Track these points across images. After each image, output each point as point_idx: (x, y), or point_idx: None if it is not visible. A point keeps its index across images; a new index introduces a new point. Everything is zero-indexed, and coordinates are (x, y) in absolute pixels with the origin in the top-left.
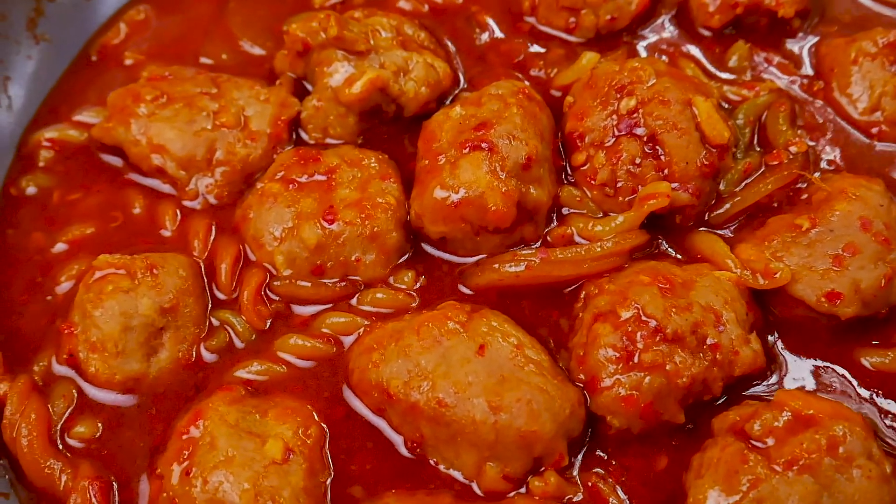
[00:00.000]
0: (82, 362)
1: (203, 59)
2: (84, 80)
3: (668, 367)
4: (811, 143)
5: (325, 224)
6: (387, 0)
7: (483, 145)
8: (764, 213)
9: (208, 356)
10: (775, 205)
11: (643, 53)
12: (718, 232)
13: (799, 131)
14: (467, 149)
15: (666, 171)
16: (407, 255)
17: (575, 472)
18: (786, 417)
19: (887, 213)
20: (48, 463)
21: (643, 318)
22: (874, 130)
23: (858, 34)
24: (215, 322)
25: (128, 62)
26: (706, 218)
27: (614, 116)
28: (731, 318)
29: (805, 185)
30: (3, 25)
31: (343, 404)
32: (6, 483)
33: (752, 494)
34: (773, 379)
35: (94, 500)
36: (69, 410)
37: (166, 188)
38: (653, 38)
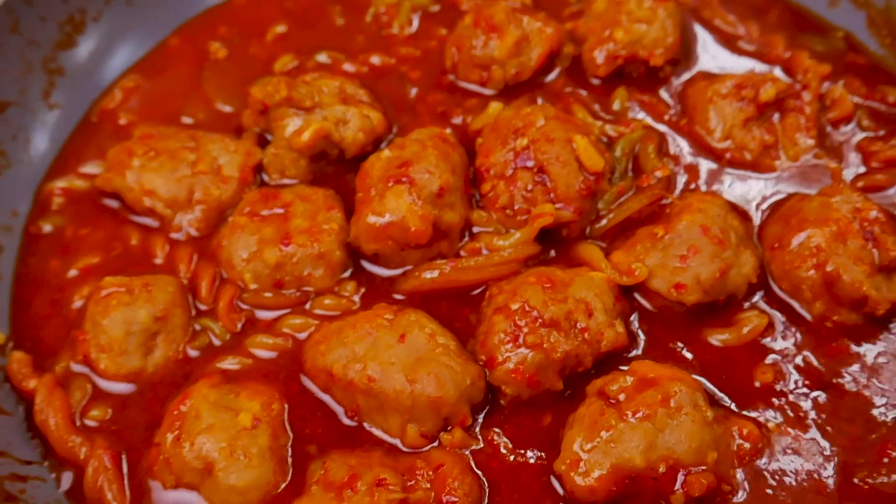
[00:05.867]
0: (94, 361)
1: (184, 119)
2: (87, 138)
3: (545, 346)
4: (674, 168)
5: (283, 247)
6: (334, 63)
7: (404, 179)
8: (634, 226)
9: (193, 353)
10: (643, 218)
11: (543, 100)
12: (597, 242)
13: (665, 159)
14: (392, 183)
15: (552, 195)
16: (349, 270)
17: (477, 429)
18: (633, 380)
19: (723, 220)
20: (71, 439)
21: (527, 308)
22: (727, 156)
23: (716, 78)
24: (198, 327)
25: (122, 122)
26: (587, 232)
27: (511, 153)
28: (600, 307)
29: (667, 202)
30: (23, 98)
31: (298, 384)
32: (39, 455)
33: (606, 437)
34: (636, 353)
35: (107, 465)
36: (85, 399)
37: (156, 224)
38: (551, 88)
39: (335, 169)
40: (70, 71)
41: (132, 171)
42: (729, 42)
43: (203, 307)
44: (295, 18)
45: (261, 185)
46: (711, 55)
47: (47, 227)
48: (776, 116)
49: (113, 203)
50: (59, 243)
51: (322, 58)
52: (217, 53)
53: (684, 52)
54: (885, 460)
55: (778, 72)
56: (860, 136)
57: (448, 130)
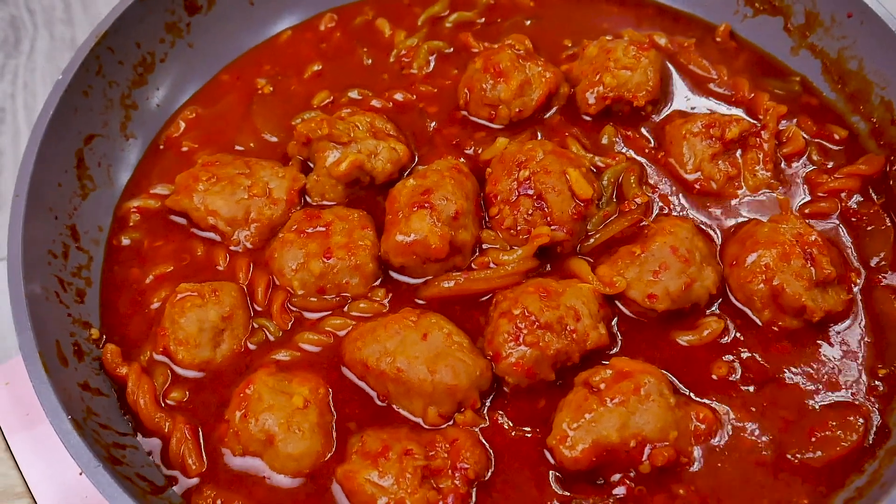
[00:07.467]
0: (172, 353)
1: (237, 147)
2: (155, 163)
3: (541, 344)
4: (651, 196)
5: (325, 260)
6: (364, 99)
7: (426, 205)
8: (617, 244)
9: (252, 346)
10: (624, 238)
11: (542, 135)
12: (586, 258)
13: (644, 187)
14: (416, 208)
15: (549, 218)
16: (380, 279)
17: (485, 411)
18: (612, 372)
19: (690, 242)
20: (157, 415)
21: (526, 314)
22: (697, 186)
23: (689, 117)
24: (256, 325)
25: (184, 149)
26: (578, 249)
27: (515, 182)
28: (586, 312)
29: (645, 224)
30: (105, 130)
31: (339, 373)
32: (131, 428)
33: (588, 418)
34: (616, 350)
35: (187, 436)
36: (166, 383)
37: (218, 238)
38: (549, 123)
39: (367, 193)
40: (142, 105)
41: (198, 193)
42: (701, 84)
43: (259, 309)
44: (329, 58)
45: (305, 206)
46: (686, 96)
47: (126, 241)
48: (739, 152)
49: (180, 220)
50: (137, 254)
51: (353, 94)
52: (264, 89)
53: (663, 93)
54: (813, 440)
55: (742, 112)
56: (809, 168)
57: (461, 160)
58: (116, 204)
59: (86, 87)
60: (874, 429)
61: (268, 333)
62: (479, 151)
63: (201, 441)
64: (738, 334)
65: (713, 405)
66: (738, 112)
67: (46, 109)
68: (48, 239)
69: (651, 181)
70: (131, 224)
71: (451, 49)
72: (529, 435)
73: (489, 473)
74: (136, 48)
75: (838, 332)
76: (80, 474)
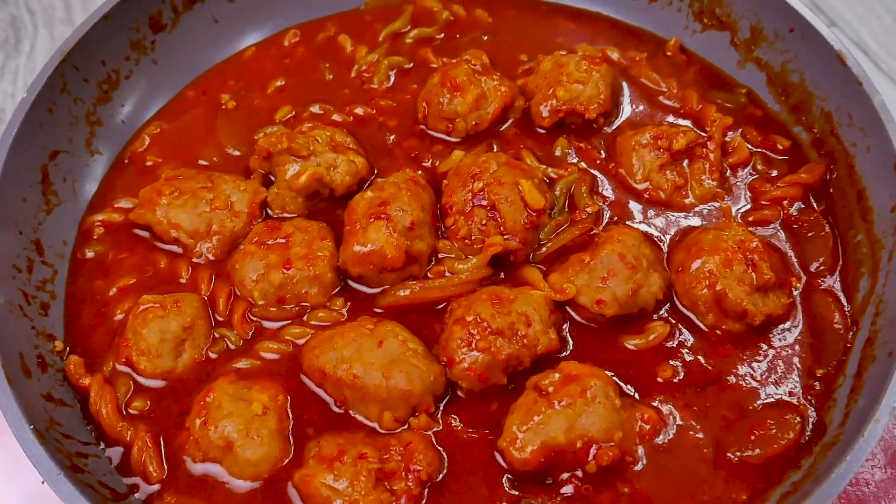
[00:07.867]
0: (135, 363)
1: (201, 161)
2: (120, 177)
3: (492, 349)
4: (602, 205)
5: (285, 270)
6: (325, 114)
7: (383, 216)
8: (568, 252)
9: (213, 356)
10: (575, 246)
11: (498, 147)
12: (538, 266)
13: (595, 197)
14: (373, 219)
15: (502, 228)
16: (338, 289)
17: (439, 415)
18: (560, 376)
19: (637, 249)
20: (119, 424)
21: (479, 320)
22: (646, 195)
23: (639, 129)
24: (217, 335)
25: (149, 164)
26: (531, 257)
27: (470, 194)
28: (537, 318)
29: (595, 233)
30: (70, 146)
31: (297, 380)
32: (93, 437)
33: (537, 420)
34: (566, 354)
35: (149, 444)
36: (129, 393)
37: (180, 251)
38: (505, 136)
39: (326, 205)
40: (107, 121)
41: (161, 207)
42: (652, 97)
43: (220, 319)
44: (291, 74)
45: (266, 219)
46: (636, 108)
47: (90, 254)
48: (686, 162)
49: (143, 233)
50: (101, 267)
51: (315, 109)
52: (228, 104)
53: (614, 106)
54: (752, 438)
55: (690, 123)
56: (754, 177)
57: (419, 172)
58: (81, 218)
59: (51, 105)
60: (811, 426)
61: (229, 343)
62: (437, 164)
63: (162, 449)
64: (683, 338)
65: (658, 406)
66: (686, 123)
67: (11, 126)
68: (13, 253)
69: (602, 191)
70: (95, 237)
71: (411, 64)
72: (481, 437)
73: (441, 475)
74: (101, 66)
75: (778, 335)
76: (43, 483)
